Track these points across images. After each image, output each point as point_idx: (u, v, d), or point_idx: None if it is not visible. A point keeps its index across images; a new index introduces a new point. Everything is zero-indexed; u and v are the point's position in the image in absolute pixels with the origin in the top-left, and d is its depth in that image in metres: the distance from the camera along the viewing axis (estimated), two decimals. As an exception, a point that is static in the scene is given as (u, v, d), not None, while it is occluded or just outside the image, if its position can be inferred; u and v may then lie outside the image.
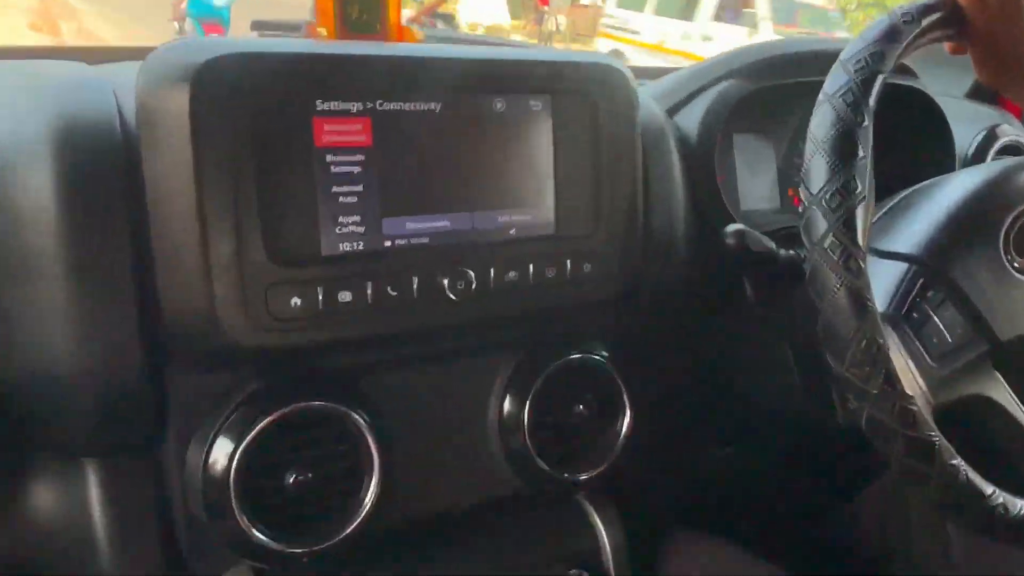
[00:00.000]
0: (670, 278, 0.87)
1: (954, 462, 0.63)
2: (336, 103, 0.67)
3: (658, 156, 0.86)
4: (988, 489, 0.65)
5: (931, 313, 0.71)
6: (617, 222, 0.79)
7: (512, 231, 0.75)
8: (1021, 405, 0.71)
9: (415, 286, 0.70)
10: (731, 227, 0.82)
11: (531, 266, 0.75)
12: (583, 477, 0.82)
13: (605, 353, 0.84)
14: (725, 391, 1.01)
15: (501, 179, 0.74)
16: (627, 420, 0.84)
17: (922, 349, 0.69)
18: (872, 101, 0.66)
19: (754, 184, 1.05)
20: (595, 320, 0.87)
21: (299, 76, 0.65)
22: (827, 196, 0.64)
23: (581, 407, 0.82)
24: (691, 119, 0.91)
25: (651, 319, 0.89)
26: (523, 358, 0.81)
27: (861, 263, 0.63)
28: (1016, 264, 0.74)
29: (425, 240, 0.72)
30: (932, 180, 0.84)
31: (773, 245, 0.82)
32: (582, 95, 0.77)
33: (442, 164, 0.71)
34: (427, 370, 0.78)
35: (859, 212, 0.63)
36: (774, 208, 1.06)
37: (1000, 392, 0.71)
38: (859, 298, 0.63)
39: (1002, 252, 0.74)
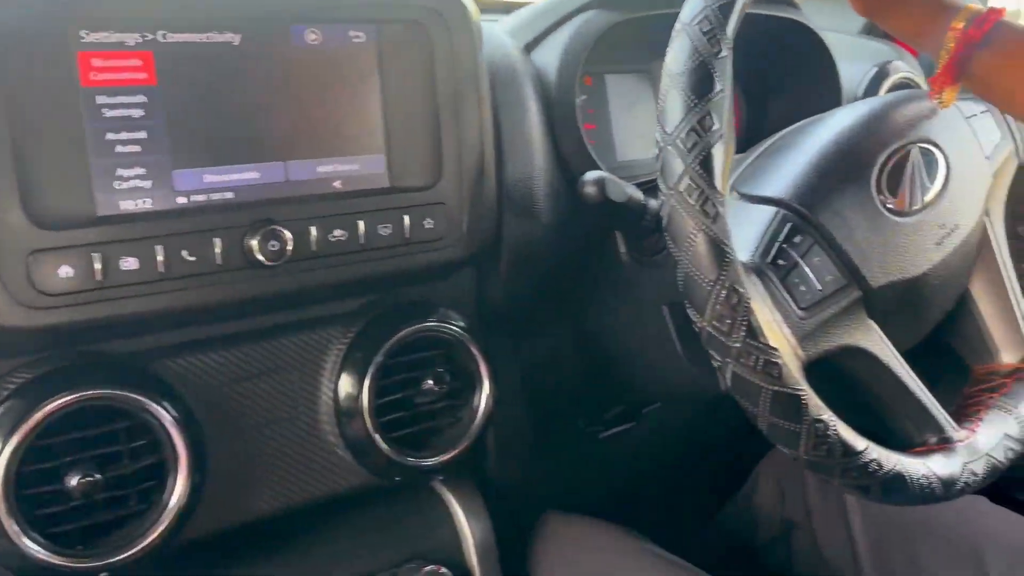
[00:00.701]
0: (534, 237, 0.78)
1: (823, 417, 0.57)
2: (106, 34, 0.56)
3: (511, 98, 0.77)
4: (860, 444, 0.59)
5: (799, 260, 0.64)
6: (463, 172, 0.70)
7: (336, 183, 0.65)
8: (896, 353, 0.65)
9: (218, 250, 0.60)
10: (589, 175, 0.74)
11: (361, 223, 0.66)
12: (430, 462, 0.73)
13: (461, 323, 0.75)
14: (606, 364, 0.94)
15: (319, 123, 0.64)
16: (485, 397, 0.75)
17: (790, 299, 0.63)
18: (731, 30, 0.58)
19: (633, 130, 0.97)
20: (450, 286, 0.78)
21: (55, 1, 0.54)
22: (682, 135, 0.56)
23: (431, 382, 0.73)
24: (549, 56, 0.81)
25: (516, 284, 0.80)
26: (361, 330, 0.72)
27: (719, 207, 0.56)
28: (889, 205, 0.67)
29: (229, 195, 0.61)
30: (809, 119, 0.77)
31: (640, 194, 0.73)
32: (413, 26, 0.67)
33: (246, 106, 0.61)
34: (244, 350, 0.68)
35: (716, 151, 0.56)
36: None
37: (874, 341, 0.65)
38: (717, 245, 0.56)
39: (874, 193, 0.67)
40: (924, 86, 1.08)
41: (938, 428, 0.66)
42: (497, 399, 0.76)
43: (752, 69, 1.04)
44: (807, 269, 0.64)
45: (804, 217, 0.66)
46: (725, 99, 0.57)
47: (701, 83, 0.56)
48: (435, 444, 0.75)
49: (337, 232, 0.65)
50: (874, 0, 0.68)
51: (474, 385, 0.75)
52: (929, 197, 0.69)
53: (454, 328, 0.73)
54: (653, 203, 0.74)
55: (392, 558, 0.74)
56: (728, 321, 0.56)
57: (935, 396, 0.68)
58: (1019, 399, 0.71)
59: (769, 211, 0.67)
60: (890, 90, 1.04)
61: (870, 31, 1.19)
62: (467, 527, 0.78)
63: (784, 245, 0.65)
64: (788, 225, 0.65)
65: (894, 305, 0.67)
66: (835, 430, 0.57)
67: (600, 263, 0.84)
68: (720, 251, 0.56)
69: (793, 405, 0.56)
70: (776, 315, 0.61)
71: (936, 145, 0.71)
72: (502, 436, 0.84)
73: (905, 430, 0.67)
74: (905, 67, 1.06)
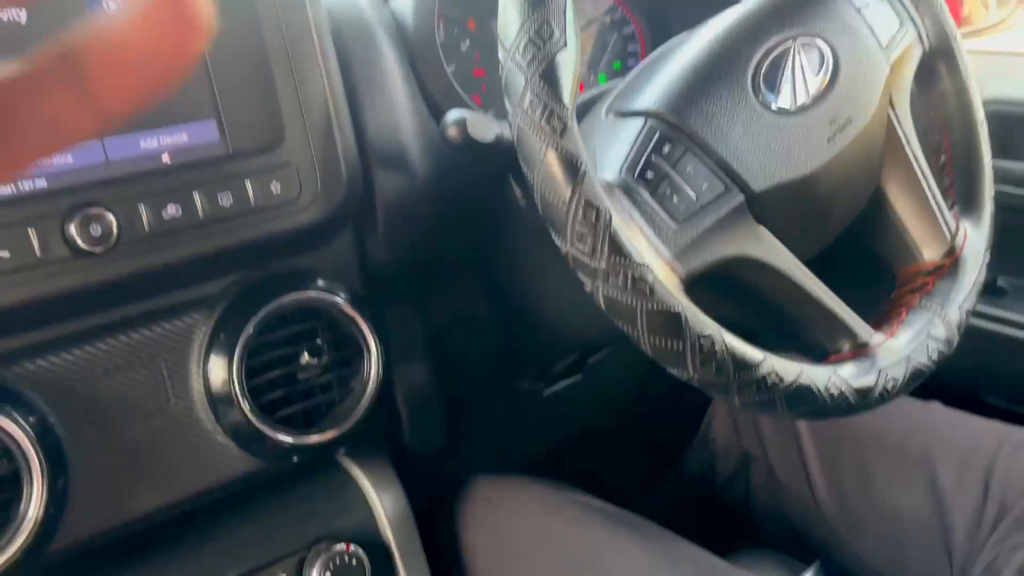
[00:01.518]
0: (410, 190, 0.74)
1: (708, 332, 0.53)
2: None
3: (363, 47, 0.73)
4: (755, 356, 0.54)
5: (669, 171, 0.59)
6: (309, 130, 0.66)
7: (164, 156, 0.62)
8: (793, 258, 0.60)
9: (35, 243, 0.57)
10: (449, 115, 0.69)
11: (197, 196, 0.62)
12: (316, 439, 0.69)
13: (339, 290, 0.71)
14: (529, 316, 0.90)
15: None
16: (374, 364, 0.72)
17: (662, 212, 0.58)
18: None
19: None
20: (329, 253, 0.74)
21: None
22: (520, 47, 0.52)
23: (306, 355, 0.69)
24: (405, 1, 0.77)
25: (400, 243, 0.76)
26: (225, 309, 0.68)
27: (567, 120, 0.52)
28: (770, 105, 0.62)
29: (42, 183, 0.58)
30: (692, 29, 0.72)
31: (511, 131, 0.69)
32: None
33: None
34: (100, 345, 0.64)
35: (559, 61, 0.52)
36: None
37: (766, 248, 0.59)
38: (569, 160, 0.51)
39: (751, 92, 0.62)
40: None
41: (849, 333, 0.61)
42: (389, 365, 0.73)
43: None
44: (679, 179, 0.59)
45: (673, 125, 0.61)
46: (565, 4, 0.53)
47: None
48: (329, 419, 0.71)
49: (171, 209, 0.61)
50: None
51: (361, 352, 0.71)
52: (814, 92, 0.64)
53: (327, 296, 0.69)
54: None
55: (299, 542, 0.71)
56: (590, 240, 0.51)
57: (866, 306, 0.64)
58: (943, 297, 0.66)
59: (637, 123, 0.62)
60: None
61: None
62: (378, 501, 0.74)
63: (652, 156, 0.60)
64: (656, 135, 0.61)
65: (786, 209, 0.62)
66: (723, 344, 0.53)
67: (498, 209, 0.80)
68: (572, 166, 0.52)
69: (672, 322, 0.52)
70: (647, 230, 0.57)
71: (821, 38, 0.66)
72: (413, 403, 0.80)
73: (816, 340, 0.62)
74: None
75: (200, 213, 0.62)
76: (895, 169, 0.68)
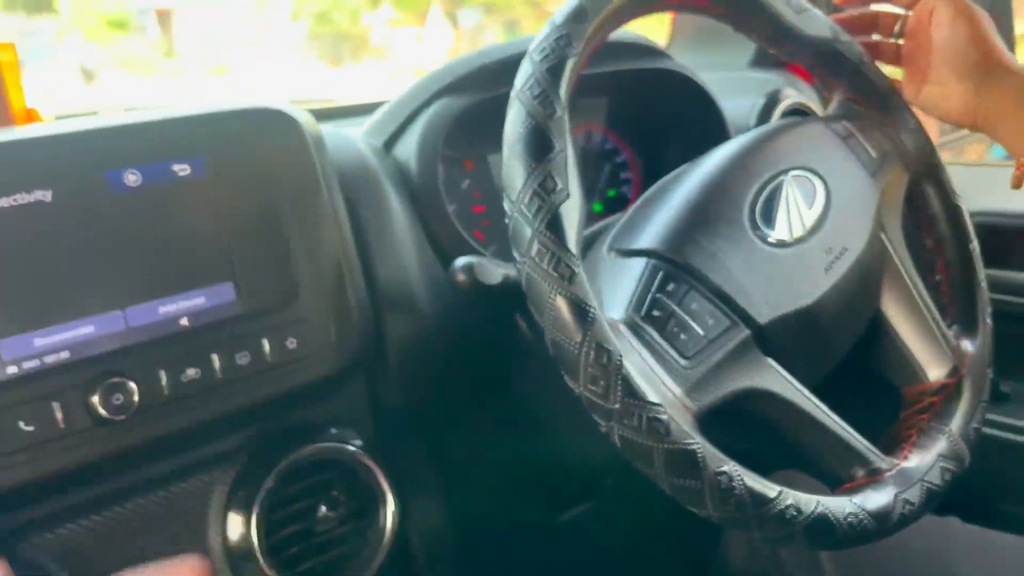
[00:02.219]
0: (421, 334, 0.76)
1: (724, 468, 0.53)
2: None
3: (370, 197, 0.75)
4: (771, 492, 0.54)
5: (675, 308, 0.60)
6: (322, 284, 0.67)
7: (183, 321, 0.63)
8: (802, 389, 0.61)
9: (59, 416, 0.58)
10: (457, 262, 0.71)
11: (215, 358, 0.63)
12: None
13: (354, 439, 0.72)
14: (544, 448, 0.90)
15: (154, 263, 0.62)
16: (390, 514, 0.72)
17: (671, 350, 0.59)
18: (563, 90, 0.57)
19: None
20: (342, 400, 0.75)
21: None
22: (525, 200, 0.55)
23: (324, 509, 0.69)
24: (408, 149, 0.80)
25: (413, 386, 0.77)
26: (243, 466, 0.68)
27: (574, 267, 0.54)
28: (768, 238, 0.64)
29: (65, 355, 0.59)
30: (683, 166, 0.75)
31: (514, 272, 0.71)
32: (243, 150, 0.65)
33: (70, 262, 0.59)
34: (119, 510, 0.64)
35: (564, 211, 0.54)
36: None
37: (774, 379, 0.60)
38: (577, 305, 0.53)
39: (748, 228, 0.64)
40: (818, 111, 1.07)
41: (862, 459, 0.62)
42: (406, 512, 0.72)
43: (639, 122, 1.02)
44: (685, 316, 0.60)
45: (675, 263, 0.63)
46: (567, 159, 0.55)
47: (538, 146, 0.55)
48: (346, 570, 0.70)
49: (190, 372, 0.62)
50: (975, 107, 0.71)
51: (376, 503, 0.71)
52: (809, 224, 0.66)
53: (343, 447, 0.70)
54: None
55: None
56: (603, 382, 0.52)
57: (871, 427, 0.65)
58: (949, 417, 0.67)
59: (640, 263, 0.64)
60: (783, 117, 1.02)
61: (759, 63, 1.18)
62: None
63: (658, 295, 0.61)
64: (660, 274, 0.62)
65: (791, 339, 0.63)
66: (741, 480, 0.53)
67: (507, 346, 0.81)
68: (581, 310, 0.53)
69: (688, 461, 0.53)
70: (657, 368, 0.58)
71: (811, 170, 0.69)
72: (429, 547, 0.80)
73: (829, 468, 0.63)
74: (795, 94, 1.05)
75: (218, 374, 0.63)
76: (893, 292, 0.70)
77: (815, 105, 1.07)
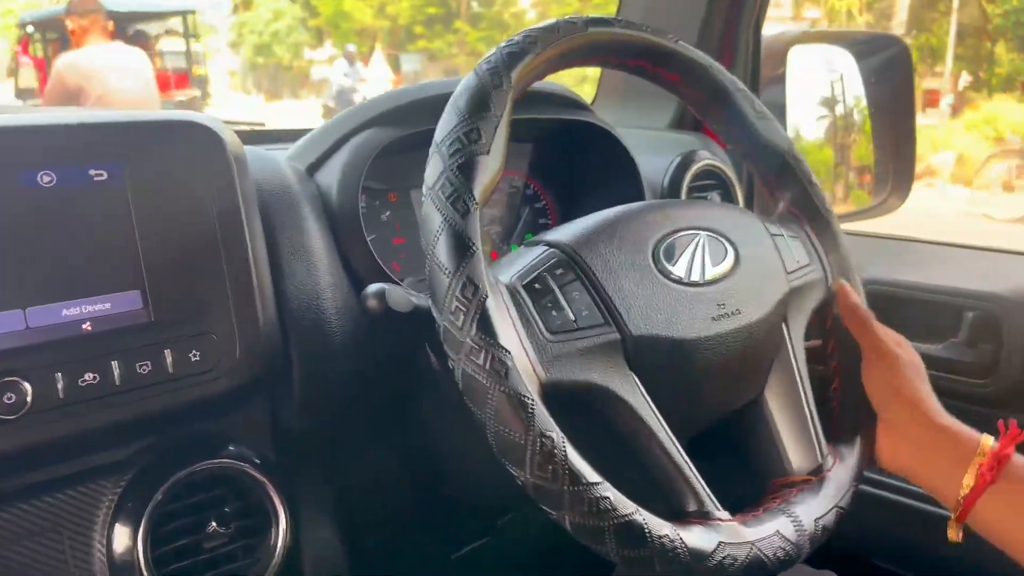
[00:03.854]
0: (329, 359, 0.76)
1: (551, 433, 0.55)
2: None
3: (288, 219, 0.76)
4: (592, 476, 0.55)
5: (555, 288, 0.62)
6: (232, 300, 0.68)
7: (86, 325, 0.63)
8: (653, 408, 0.62)
9: None
10: (369, 288, 0.73)
11: (115, 364, 0.63)
12: None
13: (254, 459, 0.72)
14: (443, 480, 0.91)
15: (62, 264, 0.62)
16: (282, 534, 0.72)
17: (539, 319, 0.60)
18: (476, 187, 0.59)
19: None
20: (243, 417, 0.75)
21: None
22: (451, 307, 0.56)
23: (214, 524, 0.69)
24: (331, 175, 0.81)
25: (315, 409, 0.78)
26: (133, 477, 0.68)
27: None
28: (665, 271, 0.67)
29: (-42, 352, 0.58)
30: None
31: (428, 301, 0.72)
32: (162, 160, 0.66)
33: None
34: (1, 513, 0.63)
35: (489, 308, 0.56)
36: None
37: (631, 390, 0.62)
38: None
39: (650, 255, 0.67)
40: (731, 175, 1.12)
41: (697, 499, 0.62)
42: (298, 533, 0.72)
43: (560, 171, 1.06)
44: (563, 299, 0.62)
45: (572, 257, 0.65)
46: (481, 257, 0.57)
47: (456, 249, 0.57)
48: None
49: (88, 376, 0.62)
50: (900, 458, 0.72)
51: (268, 522, 0.71)
52: (709, 276, 0.69)
53: (239, 464, 0.70)
54: None
55: None
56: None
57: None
58: (803, 506, 0.66)
59: (541, 248, 0.67)
60: (695, 177, 1.07)
61: (679, 125, 1.24)
62: None
63: (544, 273, 0.63)
64: (554, 259, 0.65)
65: (659, 365, 0.65)
66: (563, 451, 0.54)
67: (416, 376, 0.82)
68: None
69: (520, 411, 0.54)
70: (520, 329, 0.59)
71: (728, 240, 0.72)
72: (318, 570, 0.79)
73: (662, 490, 0.63)
74: (709, 156, 1.10)
75: (117, 381, 0.63)
76: (780, 385, 0.73)
77: (729, 170, 1.12)
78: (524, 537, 1.09)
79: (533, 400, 0.54)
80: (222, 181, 0.68)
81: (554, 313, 0.61)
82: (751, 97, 0.80)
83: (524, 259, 0.66)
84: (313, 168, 0.84)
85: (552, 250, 0.66)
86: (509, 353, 0.55)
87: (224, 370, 0.67)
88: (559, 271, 0.64)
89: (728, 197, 1.12)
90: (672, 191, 1.06)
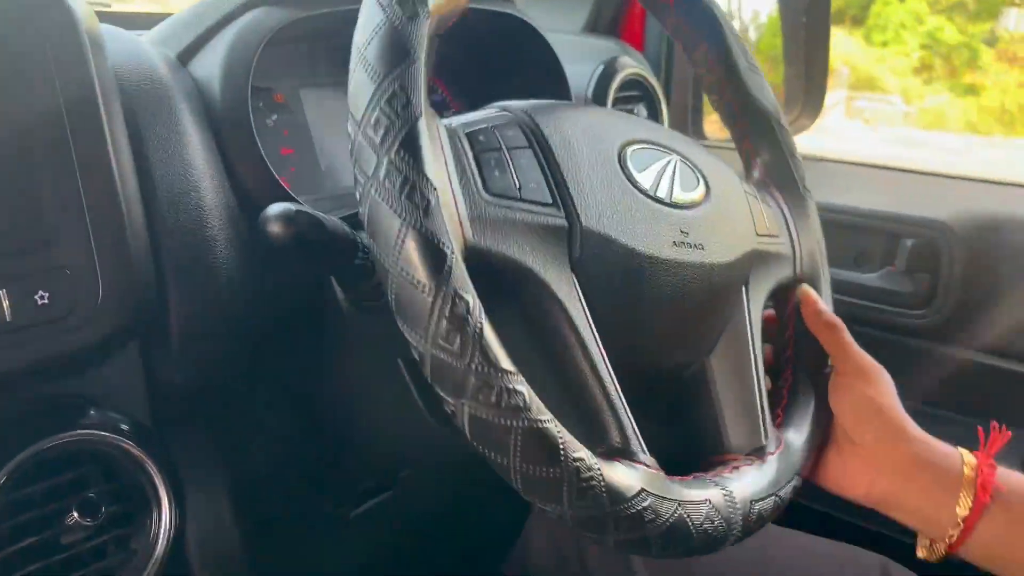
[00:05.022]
0: (214, 300, 0.61)
1: (466, 296, 0.44)
2: None
3: (159, 121, 0.59)
4: (506, 362, 0.44)
5: (504, 146, 0.52)
6: (90, 226, 0.51)
7: None
8: (591, 324, 0.52)
9: None
10: (272, 209, 0.57)
11: None
12: None
13: (124, 426, 0.56)
14: (344, 435, 0.78)
15: None
16: (164, 518, 0.57)
17: (476, 174, 0.49)
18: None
19: (344, 154, 0.82)
20: (112, 372, 0.59)
21: None
22: (372, 120, 0.44)
23: (75, 515, 0.53)
24: (210, 66, 0.64)
25: (199, 361, 0.62)
26: None
27: (431, 197, 0.44)
28: (630, 178, 0.57)
29: None
30: None
31: (346, 227, 0.58)
32: None
33: None
34: None
35: (420, 128, 0.44)
36: None
37: (565, 289, 0.51)
38: (432, 243, 0.43)
39: (616, 155, 0.57)
40: (653, 82, 1.02)
41: (622, 434, 0.51)
42: (183, 514, 0.58)
43: (476, 72, 0.92)
44: (511, 161, 0.51)
45: (527, 122, 0.54)
46: (421, 70, 0.45)
47: (391, 54, 0.45)
48: None
49: None
50: (877, 489, 0.63)
51: (148, 504, 0.56)
52: (677, 199, 0.59)
53: (105, 435, 0.54)
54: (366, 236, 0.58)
55: None
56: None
57: None
58: (736, 481, 0.57)
59: (493, 108, 0.56)
60: (620, 88, 0.96)
61: (593, 28, 1.12)
62: None
63: (495, 129, 0.52)
64: (509, 118, 0.54)
65: (607, 273, 0.54)
66: (479, 322, 0.44)
67: (317, 317, 0.68)
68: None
69: (434, 259, 0.43)
70: (453, 172, 0.48)
71: (703, 173, 0.62)
72: (205, 548, 0.65)
73: (583, 414, 0.52)
74: (632, 63, 0.99)
75: None
76: (729, 353, 0.64)
77: (655, 81, 1.02)
78: (427, 491, 0.99)
79: (453, 252, 0.43)
80: (72, 65, 0.51)
81: (496, 173, 0.50)
82: (744, 46, 0.70)
83: (470, 115, 0.54)
84: (185, 57, 0.66)
85: (505, 113, 0.55)
86: (435, 189, 0.44)
87: (82, 317, 0.51)
88: (510, 132, 0.53)
89: (654, 111, 1.02)
90: (597, 101, 0.94)
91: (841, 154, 1.17)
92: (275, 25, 0.65)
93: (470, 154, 0.50)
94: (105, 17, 0.81)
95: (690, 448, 0.64)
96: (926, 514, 0.61)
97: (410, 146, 0.43)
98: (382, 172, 0.43)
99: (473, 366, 0.43)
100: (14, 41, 0.49)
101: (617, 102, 0.96)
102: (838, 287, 1.07)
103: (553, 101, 0.59)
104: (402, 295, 0.43)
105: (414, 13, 0.45)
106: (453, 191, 0.47)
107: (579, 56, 0.99)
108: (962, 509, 0.59)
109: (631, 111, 0.99)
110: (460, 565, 1.05)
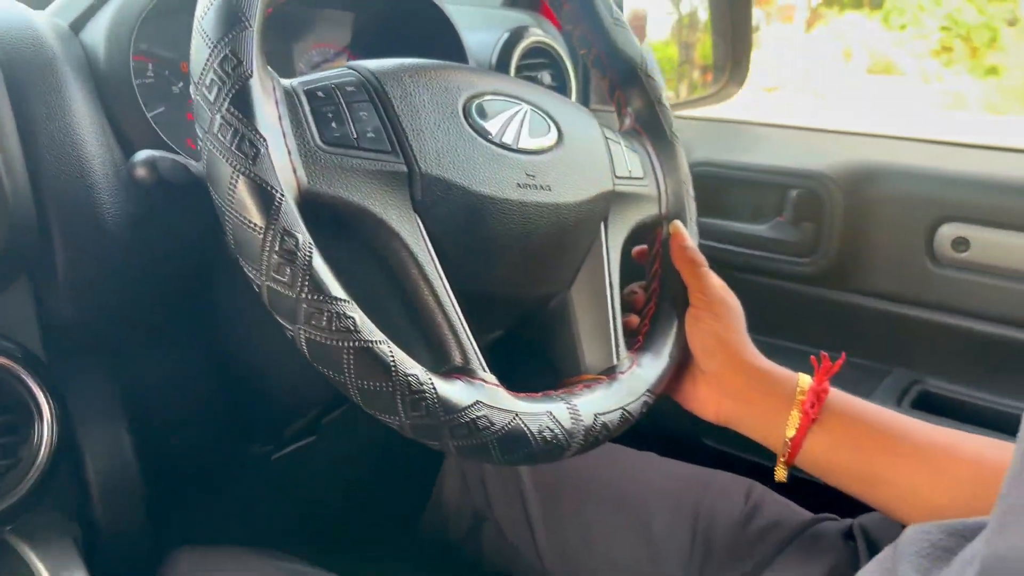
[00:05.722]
0: (99, 242, 0.68)
1: (296, 233, 0.49)
2: None
3: (40, 82, 0.66)
4: (337, 290, 0.50)
5: (341, 101, 0.56)
6: None
7: None
8: (429, 246, 0.57)
9: None
10: (137, 155, 0.64)
11: None
12: None
13: (9, 349, 0.64)
14: (253, 376, 0.84)
15: None
16: (45, 431, 0.64)
17: (313, 124, 0.54)
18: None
19: None
20: (2, 312, 0.66)
21: None
22: (207, 80, 0.50)
23: None
24: (97, 34, 0.71)
25: (88, 297, 0.69)
26: None
27: (260, 147, 0.49)
28: (475, 127, 0.62)
29: None
30: None
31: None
32: None
33: None
34: None
35: (252, 84, 0.50)
36: None
37: (407, 225, 0.56)
38: (262, 187, 0.48)
39: (460, 104, 0.62)
40: (562, 52, 1.07)
41: (463, 355, 0.57)
42: (72, 432, 0.65)
43: (382, 46, 0.98)
44: (348, 113, 0.56)
45: (368, 79, 0.59)
46: (252, 35, 0.51)
47: (223, 20, 0.50)
48: None
49: None
50: (724, 410, 0.71)
51: (32, 418, 0.64)
52: (523, 145, 0.64)
53: None
54: None
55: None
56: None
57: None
58: (583, 396, 0.63)
59: (340, 69, 0.61)
60: (523, 56, 1.02)
61: (513, 3, 1.18)
62: None
63: (333, 85, 0.57)
64: (348, 76, 0.59)
65: (450, 213, 0.59)
66: (308, 255, 0.49)
67: (210, 262, 0.75)
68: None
69: (262, 199, 0.48)
70: (286, 124, 0.52)
71: (555, 123, 0.67)
72: (103, 475, 0.72)
73: (428, 340, 0.57)
74: (541, 33, 1.04)
75: None
76: (587, 286, 0.69)
77: (562, 50, 1.07)
78: (352, 436, 1.05)
79: (282, 195, 0.49)
80: None
81: (333, 125, 0.55)
82: (610, 3, 0.75)
83: (316, 74, 0.59)
84: (77, 26, 0.73)
85: (350, 71, 0.59)
86: (264, 140, 0.49)
87: None
88: (351, 89, 0.57)
89: (561, 80, 1.07)
90: (500, 68, 1.00)
91: (740, 116, 1.23)
92: None
93: (307, 107, 0.54)
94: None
95: (555, 373, 0.70)
96: (764, 432, 0.69)
97: (240, 102, 0.49)
98: (216, 127, 0.48)
99: (304, 295, 0.48)
100: None
101: (521, 69, 1.02)
102: (736, 239, 1.13)
103: (404, 59, 0.63)
104: (237, 234, 0.49)
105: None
106: (287, 141, 0.52)
107: (491, 26, 1.05)
108: (790, 429, 0.66)
109: (535, 77, 1.04)
110: (384, 512, 1.11)
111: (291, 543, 0.84)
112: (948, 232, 1.00)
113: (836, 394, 0.68)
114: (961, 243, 1.00)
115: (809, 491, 0.79)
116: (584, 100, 1.14)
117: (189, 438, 0.86)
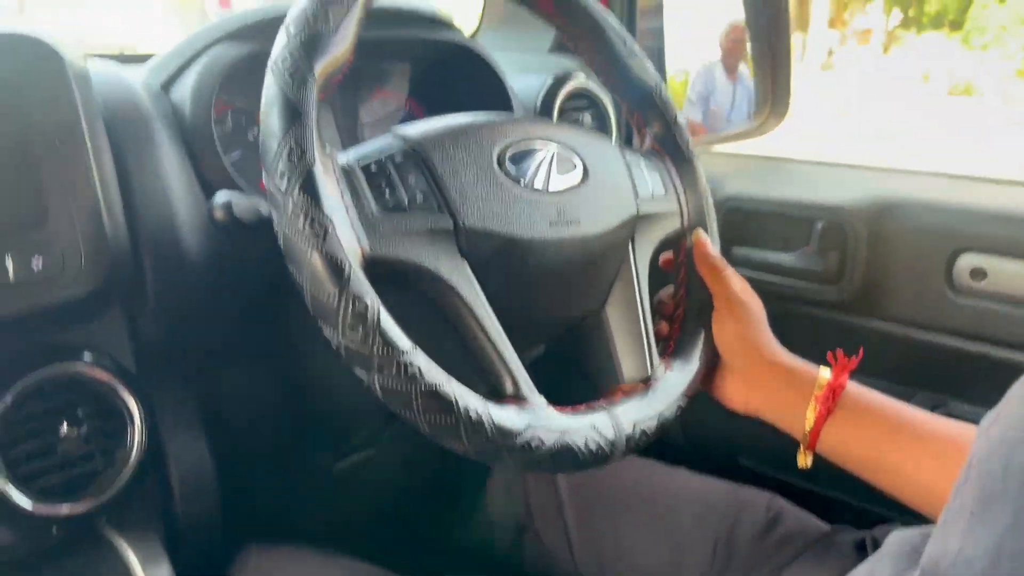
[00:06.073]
0: (184, 275, 0.78)
1: (364, 297, 0.56)
2: None
3: (137, 136, 0.77)
4: (405, 345, 0.57)
5: (392, 171, 0.64)
6: (72, 210, 0.69)
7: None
8: (477, 288, 0.64)
9: None
10: (216, 196, 0.75)
11: None
12: (66, 509, 0.71)
13: (107, 365, 0.74)
14: (324, 393, 0.94)
15: None
16: (136, 435, 0.75)
17: (370, 195, 0.62)
18: (318, 65, 0.60)
19: None
20: (102, 329, 0.77)
21: None
22: (278, 171, 0.58)
23: (66, 426, 0.71)
24: (183, 91, 0.82)
25: (175, 323, 0.80)
26: None
27: (328, 226, 0.57)
28: (508, 175, 0.70)
29: None
30: None
31: None
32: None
33: None
34: None
35: (316, 171, 0.58)
36: None
37: (458, 275, 0.64)
38: (333, 260, 0.56)
39: (494, 158, 0.70)
40: (605, 100, 1.14)
41: (514, 383, 0.64)
42: (158, 436, 0.75)
43: (439, 93, 1.08)
44: (399, 180, 0.64)
45: (415, 149, 0.67)
46: (312, 125, 0.59)
47: (285, 117, 0.58)
48: (90, 489, 0.73)
49: None
50: (752, 402, 0.78)
51: (123, 426, 0.74)
52: (553, 188, 0.72)
53: (88, 368, 0.72)
54: None
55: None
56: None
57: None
58: (623, 406, 0.70)
59: (386, 137, 0.68)
60: (568, 98, 1.10)
61: (560, 49, 1.26)
62: (142, 573, 0.76)
63: (383, 159, 0.65)
64: (394, 148, 0.66)
65: (493, 258, 0.67)
66: (377, 314, 0.56)
67: (283, 290, 0.84)
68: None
69: (334, 273, 0.56)
70: (348, 201, 0.60)
71: (580, 157, 0.75)
72: (185, 475, 0.82)
73: (482, 373, 0.66)
74: (583, 78, 1.12)
75: None
76: (620, 302, 0.77)
77: (603, 92, 1.15)
78: (407, 450, 1.14)
79: (350, 265, 0.56)
80: (60, 99, 0.69)
81: (387, 194, 0.63)
82: (622, 34, 0.82)
83: (367, 146, 0.67)
84: (168, 85, 0.85)
85: (396, 140, 0.67)
86: (331, 220, 0.57)
87: (69, 277, 0.69)
88: (399, 159, 0.65)
89: (602, 120, 1.15)
90: (545, 111, 1.08)
91: (769, 152, 1.29)
92: (235, 57, 0.83)
93: (363, 183, 0.63)
94: (137, 57, 1.01)
95: (592, 388, 0.77)
96: (788, 422, 0.76)
97: (307, 188, 0.57)
98: (288, 211, 0.57)
99: (375, 350, 0.56)
100: (12, 75, 0.67)
101: (564, 111, 1.10)
102: (766, 267, 1.19)
103: (442, 121, 0.71)
104: (315, 304, 0.57)
105: (303, 80, 0.59)
106: (349, 215, 0.60)
107: (538, 71, 1.13)
108: (811, 413, 0.73)
109: (578, 119, 1.12)
110: (435, 522, 1.19)
111: (349, 545, 0.92)
112: (966, 262, 1.05)
113: (853, 388, 0.74)
114: (979, 273, 1.04)
115: (828, 504, 0.85)
116: (627, 139, 1.21)
117: (260, 446, 0.95)
